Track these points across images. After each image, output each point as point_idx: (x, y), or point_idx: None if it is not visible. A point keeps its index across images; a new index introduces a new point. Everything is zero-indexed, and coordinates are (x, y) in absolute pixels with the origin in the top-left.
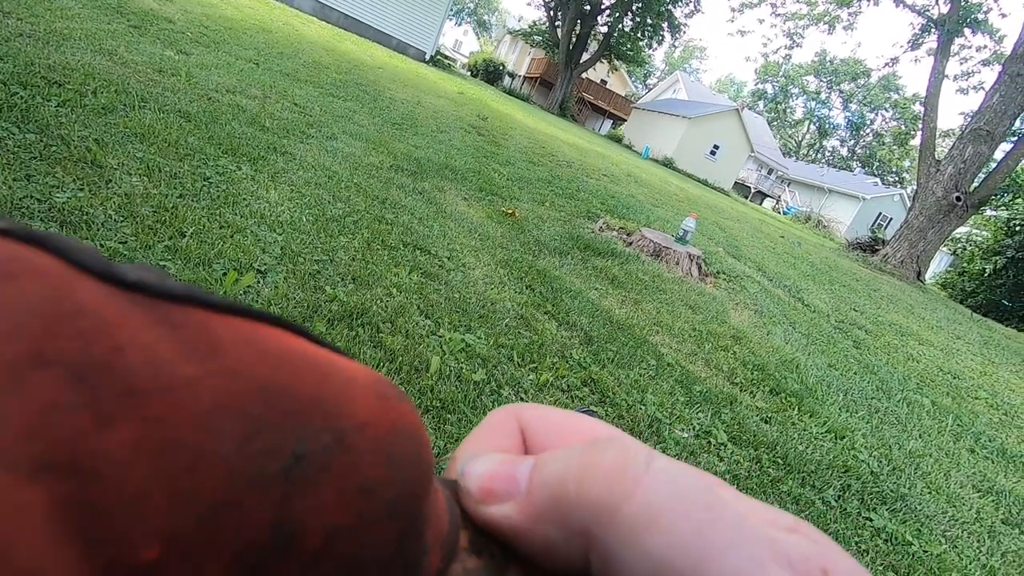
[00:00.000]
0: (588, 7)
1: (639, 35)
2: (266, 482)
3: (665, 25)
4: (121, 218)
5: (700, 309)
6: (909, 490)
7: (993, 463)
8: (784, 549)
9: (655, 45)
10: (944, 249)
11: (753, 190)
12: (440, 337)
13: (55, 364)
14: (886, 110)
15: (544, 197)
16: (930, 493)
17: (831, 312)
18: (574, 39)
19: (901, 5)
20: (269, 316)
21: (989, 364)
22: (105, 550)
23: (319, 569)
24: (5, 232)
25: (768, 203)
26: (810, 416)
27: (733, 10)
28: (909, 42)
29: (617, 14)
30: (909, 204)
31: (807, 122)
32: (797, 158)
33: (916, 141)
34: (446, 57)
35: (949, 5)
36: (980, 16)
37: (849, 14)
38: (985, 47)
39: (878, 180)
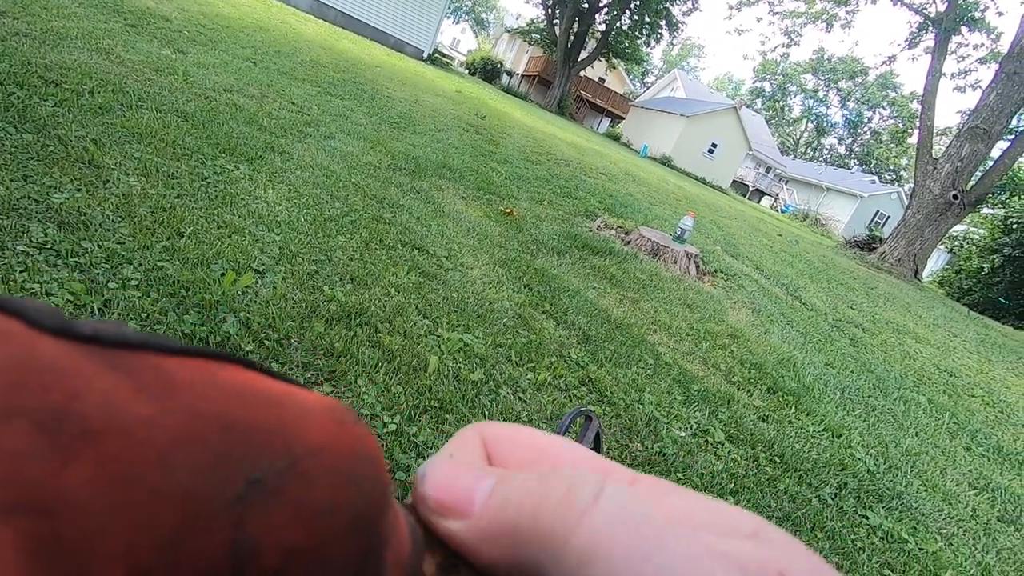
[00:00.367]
0: (586, 5)
1: (637, 33)
2: (221, 508)
3: (663, 23)
4: (119, 218)
5: (698, 308)
6: (905, 488)
7: (989, 461)
8: (737, 558)
9: (653, 43)
10: (941, 247)
11: (751, 188)
12: (438, 337)
13: (19, 416)
14: (884, 108)
15: (542, 196)
16: (926, 491)
17: (828, 310)
18: (572, 37)
19: (899, 3)
20: (226, 355)
21: (986, 362)
22: None
23: None
24: None
25: (766, 201)
26: (807, 414)
27: (731, 8)
28: (907, 40)
29: (615, 12)
30: (906, 202)
31: (805, 120)
32: (795, 156)
33: (913, 139)
34: (444, 55)
35: (946, 3)
36: (977, 14)
37: (847, 12)
38: (982, 45)
39: (876, 178)
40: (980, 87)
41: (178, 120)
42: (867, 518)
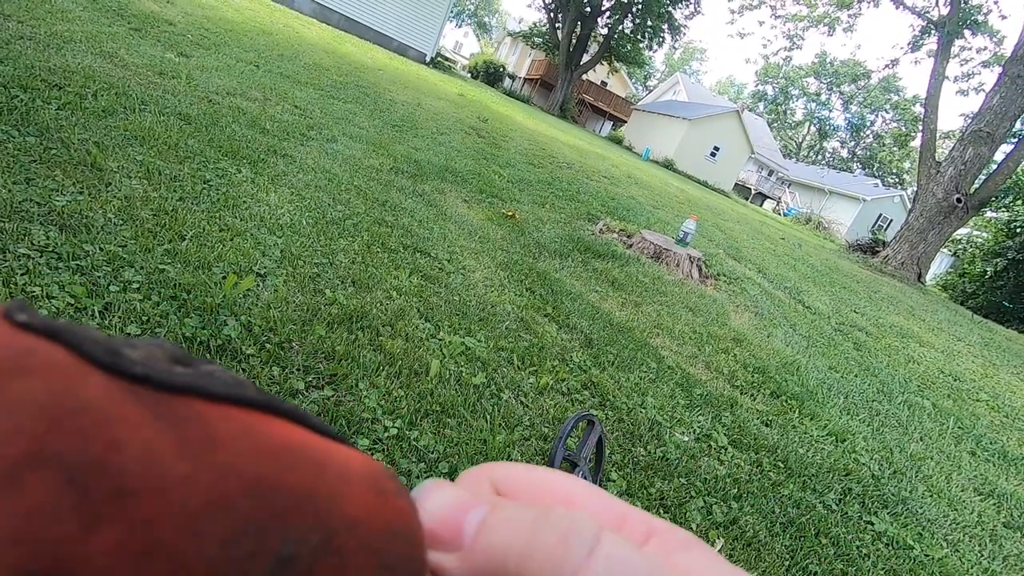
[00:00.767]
0: (588, 9)
1: (639, 37)
2: None
3: (665, 27)
4: (121, 221)
5: (700, 311)
6: (910, 493)
7: (994, 466)
8: None
9: (655, 47)
10: (945, 251)
11: (753, 191)
12: (440, 340)
13: (52, 463)
14: (886, 111)
15: (544, 199)
16: (931, 496)
17: (832, 314)
18: (574, 41)
19: (901, 7)
20: (274, 405)
21: (990, 366)
22: None
23: None
24: (27, 325)
25: (768, 204)
26: (811, 419)
27: (733, 12)
28: (909, 44)
29: (617, 16)
30: (909, 206)
31: (807, 123)
32: (797, 160)
33: (916, 143)
34: (446, 59)
35: (949, 7)
36: (980, 18)
37: (849, 16)
38: (985, 49)
39: (878, 181)
40: (983, 90)
41: (181, 123)
42: (872, 524)
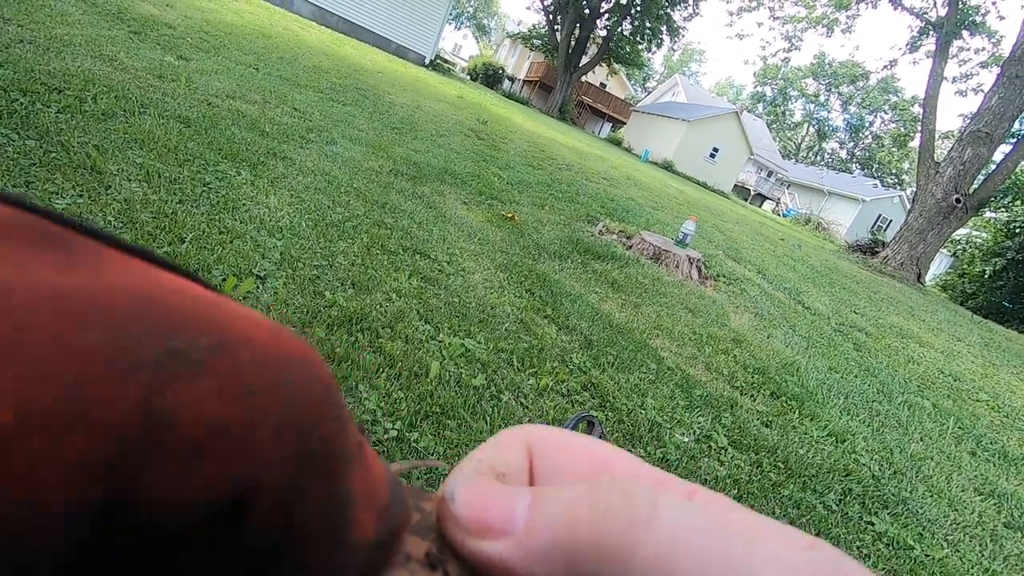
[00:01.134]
0: (587, 11)
1: (638, 38)
2: (135, 366)
3: (664, 28)
4: (121, 224)
5: (700, 312)
6: (911, 494)
7: (995, 466)
8: (803, 569)
9: (654, 48)
10: (944, 251)
11: (753, 192)
12: (440, 342)
13: None
14: (885, 112)
15: (544, 201)
16: (932, 497)
17: (831, 315)
18: (573, 43)
19: (899, 8)
20: (187, 271)
21: (990, 366)
22: None
23: (204, 466)
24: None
25: (768, 205)
26: (811, 419)
27: (731, 14)
28: (907, 44)
29: (616, 18)
30: (909, 206)
31: (806, 124)
32: (796, 160)
33: (915, 143)
34: (446, 61)
35: (947, 7)
36: (978, 18)
37: (847, 17)
38: (983, 49)
39: (878, 182)
40: (982, 91)
41: (180, 126)
42: (872, 524)
